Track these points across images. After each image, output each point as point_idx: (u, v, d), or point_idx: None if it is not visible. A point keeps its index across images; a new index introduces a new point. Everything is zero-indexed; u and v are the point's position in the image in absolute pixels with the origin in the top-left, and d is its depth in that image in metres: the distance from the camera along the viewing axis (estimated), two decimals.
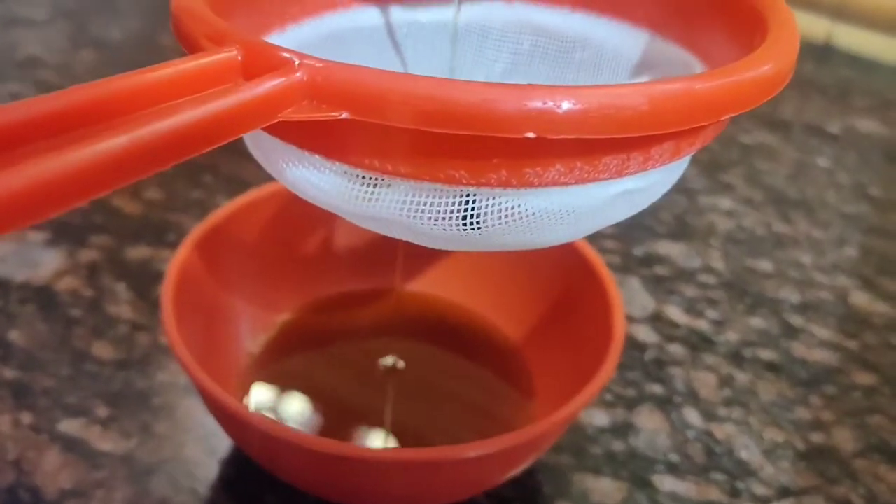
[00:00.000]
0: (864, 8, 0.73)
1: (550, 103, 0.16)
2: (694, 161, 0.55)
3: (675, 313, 0.40)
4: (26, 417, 0.31)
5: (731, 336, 0.39)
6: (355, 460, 0.24)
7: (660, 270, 0.43)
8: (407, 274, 0.36)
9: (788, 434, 0.34)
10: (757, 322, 0.40)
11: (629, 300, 0.40)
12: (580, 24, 0.29)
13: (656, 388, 0.35)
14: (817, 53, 0.74)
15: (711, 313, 0.40)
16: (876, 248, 0.47)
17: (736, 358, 0.37)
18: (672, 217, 0.47)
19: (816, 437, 0.34)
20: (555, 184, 0.19)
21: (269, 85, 0.16)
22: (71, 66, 0.56)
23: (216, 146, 0.16)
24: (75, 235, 0.40)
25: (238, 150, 0.40)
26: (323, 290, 0.35)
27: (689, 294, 0.41)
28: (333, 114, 0.17)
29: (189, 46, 0.19)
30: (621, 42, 0.28)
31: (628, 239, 0.45)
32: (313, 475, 0.26)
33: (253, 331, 0.33)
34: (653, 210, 0.47)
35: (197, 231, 0.31)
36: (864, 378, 0.37)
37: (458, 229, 0.20)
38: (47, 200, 0.12)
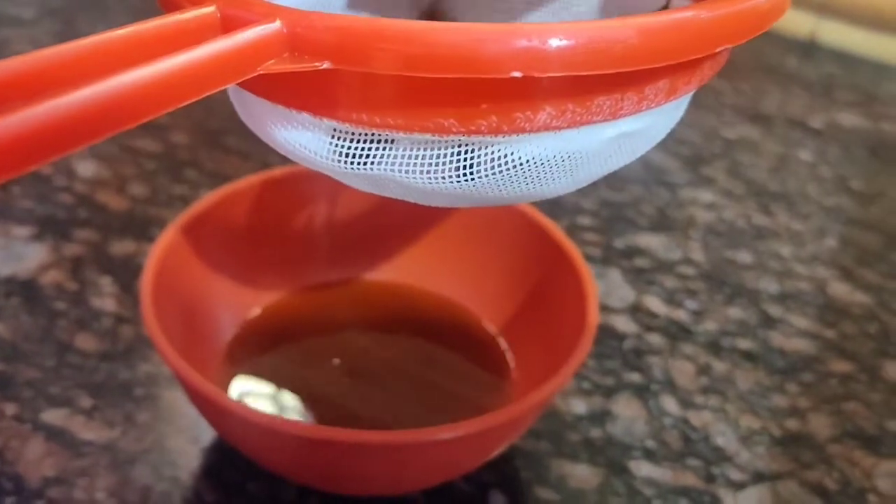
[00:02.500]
0: (848, 4, 0.74)
1: (536, 41, 0.16)
2: (676, 155, 0.55)
3: (654, 304, 0.40)
4: (10, 408, 0.31)
5: (709, 326, 0.39)
6: (332, 444, 0.24)
7: (640, 262, 0.43)
8: (384, 263, 0.37)
9: (764, 421, 0.34)
10: (735, 312, 0.40)
11: (609, 291, 0.41)
12: None
13: (634, 377, 0.36)
14: (801, 49, 0.75)
15: (690, 304, 0.40)
16: (856, 240, 0.47)
17: (714, 347, 0.38)
18: (653, 210, 0.48)
19: (792, 424, 0.34)
20: (547, 128, 0.18)
21: (248, 36, 0.16)
22: None
23: (195, 99, 0.15)
24: (60, 230, 0.41)
25: (221, 146, 0.41)
26: (303, 279, 0.36)
27: (669, 285, 0.42)
28: (316, 64, 0.16)
29: (166, 5, 0.19)
30: None
31: (609, 231, 0.45)
32: (293, 460, 0.27)
33: (233, 320, 0.33)
34: (634, 202, 0.48)
35: (177, 222, 0.31)
36: (841, 366, 0.37)
37: (452, 182, 0.19)
38: (30, 149, 0.13)
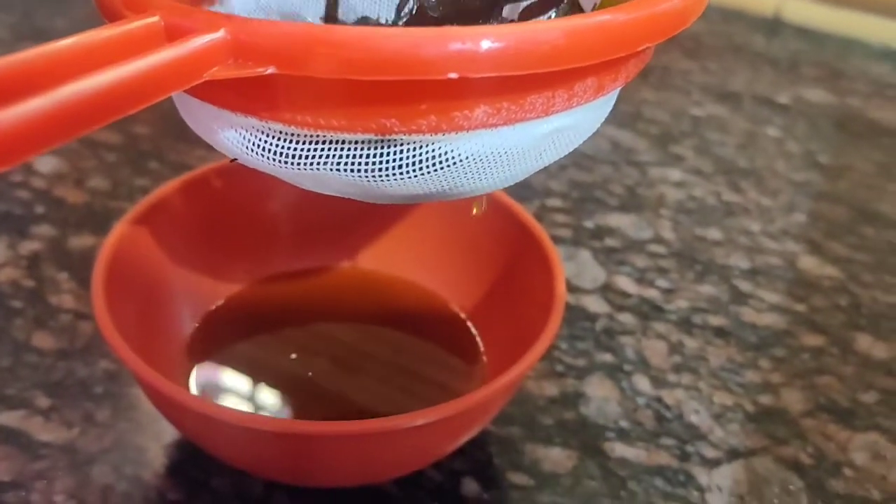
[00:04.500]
0: None
1: (470, 43, 0.16)
2: (645, 134, 0.55)
3: (625, 283, 0.40)
4: None
5: (680, 303, 0.39)
6: (298, 437, 0.24)
7: (610, 242, 0.43)
8: (350, 251, 0.36)
9: (738, 397, 0.34)
10: (706, 289, 0.40)
11: (580, 272, 0.40)
12: None
13: (607, 357, 0.35)
14: (767, 27, 0.75)
15: (661, 282, 0.40)
16: (824, 214, 0.47)
17: (686, 325, 0.37)
18: (623, 189, 0.47)
19: (765, 399, 0.34)
20: (484, 126, 0.19)
21: (192, 44, 0.16)
22: None
23: (141, 107, 0.15)
24: (17, 226, 0.40)
25: (183, 137, 0.39)
26: (265, 269, 0.35)
27: (640, 264, 0.41)
28: (259, 70, 0.17)
29: (109, 15, 0.19)
30: None
31: (579, 212, 0.45)
32: (255, 455, 0.26)
33: (193, 312, 0.32)
34: (603, 183, 0.48)
35: (130, 213, 0.30)
36: (813, 340, 0.37)
37: (395, 180, 0.20)
38: None
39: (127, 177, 0.44)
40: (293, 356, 0.32)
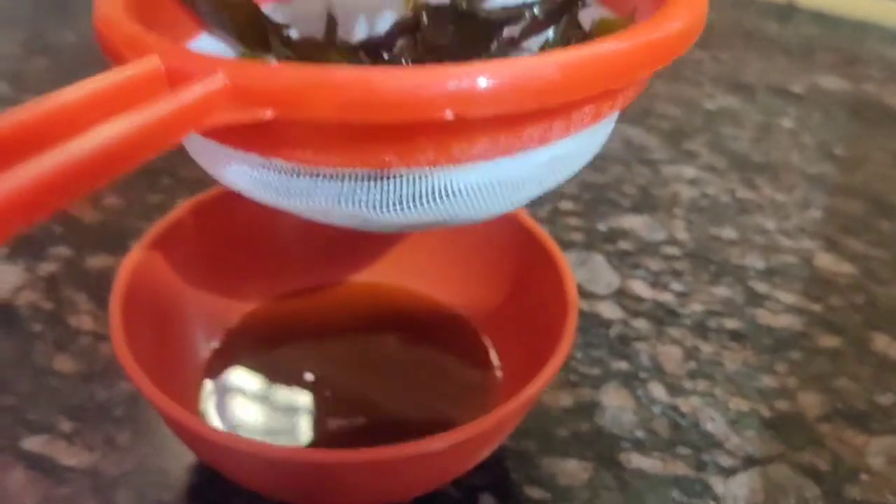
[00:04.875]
0: None
1: (466, 81, 0.16)
2: (657, 130, 0.55)
3: (639, 287, 0.40)
4: None
5: (695, 307, 0.39)
6: (309, 464, 0.24)
7: (624, 245, 0.43)
8: (361, 265, 0.36)
9: (754, 403, 0.34)
10: (721, 291, 0.40)
11: (593, 278, 0.40)
12: None
13: (622, 365, 0.35)
14: (780, 13, 0.74)
15: (676, 285, 0.40)
16: (840, 209, 0.47)
17: (701, 329, 0.37)
18: (636, 189, 0.47)
19: (781, 405, 0.34)
20: (482, 158, 0.19)
21: (192, 94, 0.17)
22: (23, 73, 0.55)
23: (148, 158, 0.16)
24: (33, 248, 0.40)
25: None
26: (279, 287, 0.35)
27: (654, 267, 0.41)
28: (259, 113, 0.17)
29: (113, 58, 0.19)
30: None
31: (591, 214, 0.45)
32: (274, 482, 0.26)
33: (208, 332, 0.33)
34: (616, 183, 0.47)
35: (146, 237, 0.30)
36: (829, 341, 0.37)
37: (396, 211, 0.20)
38: None
39: (141, 194, 0.45)
40: (308, 374, 0.32)
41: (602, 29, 0.23)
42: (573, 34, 0.24)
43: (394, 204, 0.20)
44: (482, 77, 0.17)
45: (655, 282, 0.40)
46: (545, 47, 0.24)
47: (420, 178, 0.20)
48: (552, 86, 0.17)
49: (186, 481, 0.29)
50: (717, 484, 0.30)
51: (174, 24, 0.24)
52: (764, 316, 0.38)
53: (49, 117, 0.15)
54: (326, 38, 0.27)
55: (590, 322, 0.37)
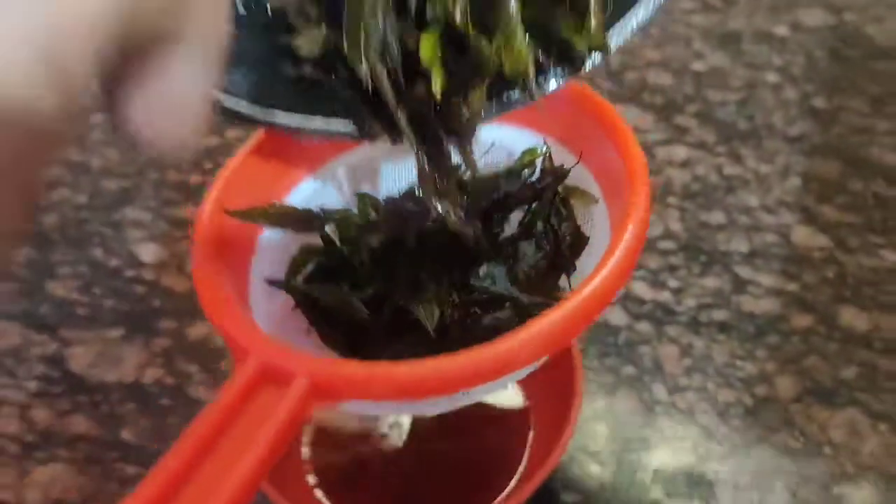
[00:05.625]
0: None
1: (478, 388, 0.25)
2: (650, 107, 0.60)
3: (641, 289, 0.47)
4: None
5: (689, 302, 0.46)
6: None
7: None
8: None
9: (738, 392, 0.42)
10: (711, 282, 0.47)
11: None
12: (499, 132, 0.35)
13: (629, 370, 0.43)
14: None
15: (672, 281, 0.47)
16: (817, 173, 0.53)
17: (694, 325, 0.45)
18: None
19: (761, 390, 0.42)
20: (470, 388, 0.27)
21: (294, 394, 0.23)
22: None
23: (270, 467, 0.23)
24: (144, 325, 0.49)
25: None
26: None
27: (653, 265, 0.48)
28: (338, 404, 0.25)
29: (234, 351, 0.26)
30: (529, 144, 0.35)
31: None
32: None
33: None
34: None
35: None
36: (802, 320, 0.45)
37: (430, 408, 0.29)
38: None
39: None
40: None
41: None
42: (552, 208, 0.31)
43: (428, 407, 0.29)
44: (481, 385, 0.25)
45: (655, 280, 0.48)
46: (526, 220, 0.31)
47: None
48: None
49: None
50: (710, 472, 0.39)
51: (279, 176, 0.32)
52: (747, 302, 0.46)
53: (195, 448, 0.23)
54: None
55: (601, 331, 0.45)
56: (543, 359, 0.27)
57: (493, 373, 0.24)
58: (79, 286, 0.51)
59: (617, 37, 0.27)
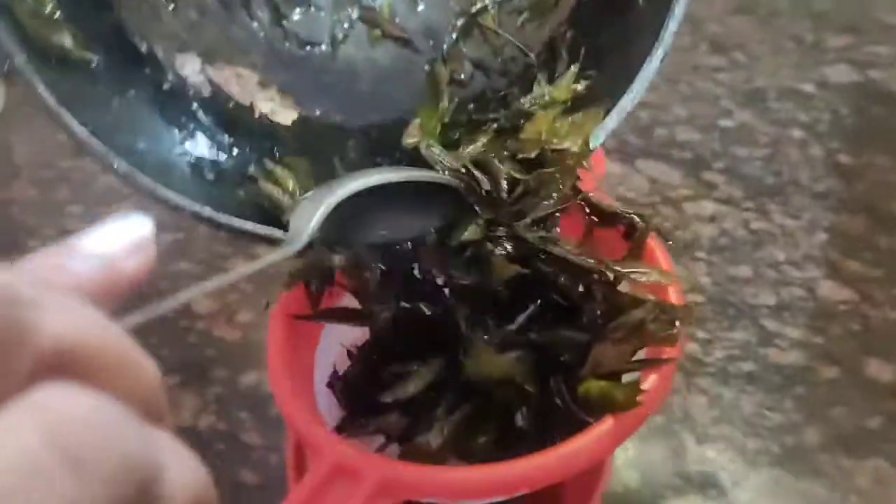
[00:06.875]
0: None
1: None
2: (679, 163, 0.62)
3: None
4: None
5: (718, 353, 0.48)
6: None
7: None
8: None
9: (766, 441, 0.44)
10: (739, 335, 0.49)
11: None
12: None
13: (658, 419, 0.45)
14: None
15: (701, 333, 0.49)
16: (842, 228, 0.55)
17: (723, 375, 0.47)
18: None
19: (788, 440, 0.43)
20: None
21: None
22: None
23: None
24: (198, 373, 0.52)
25: None
26: None
27: None
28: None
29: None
30: None
31: None
32: None
33: None
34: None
35: None
36: (828, 372, 0.46)
37: None
38: None
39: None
40: None
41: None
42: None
43: None
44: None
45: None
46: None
47: None
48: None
49: None
50: None
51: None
52: (775, 354, 0.48)
53: None
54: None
55: None
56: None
57: (548, 476, 0.27)
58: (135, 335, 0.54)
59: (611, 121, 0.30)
